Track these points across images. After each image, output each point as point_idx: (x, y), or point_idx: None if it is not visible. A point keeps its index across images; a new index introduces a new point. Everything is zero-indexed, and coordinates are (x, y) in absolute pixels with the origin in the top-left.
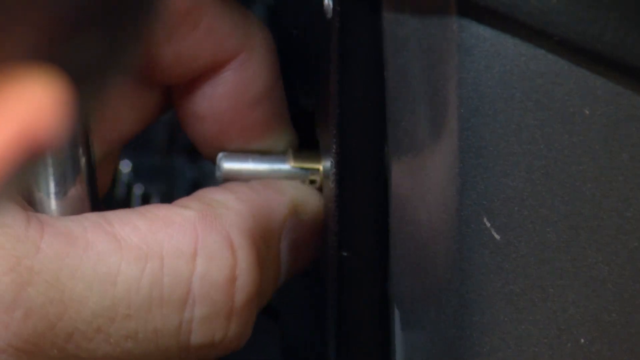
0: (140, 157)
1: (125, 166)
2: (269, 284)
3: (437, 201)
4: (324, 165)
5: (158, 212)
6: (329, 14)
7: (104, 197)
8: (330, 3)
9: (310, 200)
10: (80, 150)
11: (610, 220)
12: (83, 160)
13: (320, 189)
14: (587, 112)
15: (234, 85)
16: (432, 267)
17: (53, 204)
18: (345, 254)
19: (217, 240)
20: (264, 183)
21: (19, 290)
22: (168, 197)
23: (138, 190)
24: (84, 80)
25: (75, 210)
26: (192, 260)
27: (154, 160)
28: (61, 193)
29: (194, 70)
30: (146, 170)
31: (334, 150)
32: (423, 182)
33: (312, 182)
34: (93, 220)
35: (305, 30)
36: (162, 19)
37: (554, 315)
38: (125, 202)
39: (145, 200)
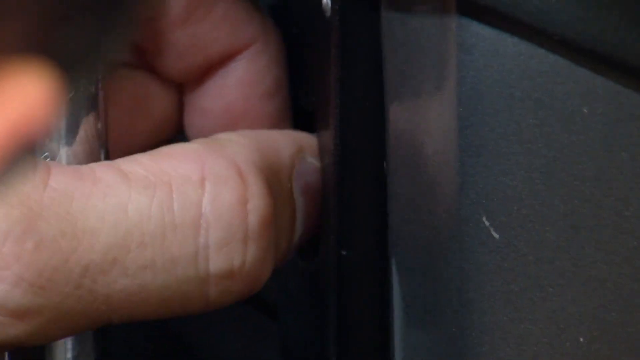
0: None
1: None
2: (285, 221)
3: (437, 200)
4: (322, 164)
5: (162, 149)
6: (328, 13)
7: None
8: (329, 2)
9: (316, 144)
10: (97, 145)
11: (609, 219)
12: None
13: None
14: (587, 111)
15: (247, 74)
16: (431, 266)
17: None
18: (344, 253)
19: (224, 165)
20: (269, 130)
21: (29, 222)
22: None
23: None
24: (80, 66)
25: None
26: (201, 185)
27: None
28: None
29: (209, 56)
30: None
31: (333, 150)
32: (422, 181)
33: None
34: (99, 163)
35: (305, 29)
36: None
37: (553, 314)
38: None
39: None
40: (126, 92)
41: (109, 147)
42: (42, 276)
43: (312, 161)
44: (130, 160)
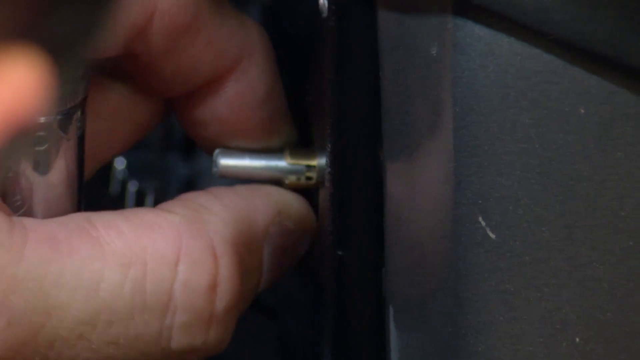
0: (135, 154)
1: (120, 163)
2: (250, 290)
3: (432, 200)
4: (319, 163)
5: (143, 217)
6: (324, 13)
7: (99, 195)
8: (326, 2)
9: (295, 205)
10: (70, 131)
11: (605, 219)
12: (72, 142)
13: (316, 186)
14: (582, 111)
15: (235, 93)
16: (427, 266)
17: (37, 181)
18: (340, 253)
19: (200, 247)
20: (250, 188)
21: (2, 298)
22: (162, 194)
23: (132, 187)
24: (65, 54)
25: (57, 193)
26: (175, 266)
27: (149, 157)
28: (45, 171)
29: (195, 82)
30: (141, 167)
31: (329, 149)
32: (418, 181)
33: (308, 178)
34: (78, 223)
35: (301, 29)
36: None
37: (549, 314)
38: (119, 199)
39: (140, 197)
40: (110, 102)
41: (88, 150)
42: (11, 350)
43: (287, 224)
44: (110, 227)
